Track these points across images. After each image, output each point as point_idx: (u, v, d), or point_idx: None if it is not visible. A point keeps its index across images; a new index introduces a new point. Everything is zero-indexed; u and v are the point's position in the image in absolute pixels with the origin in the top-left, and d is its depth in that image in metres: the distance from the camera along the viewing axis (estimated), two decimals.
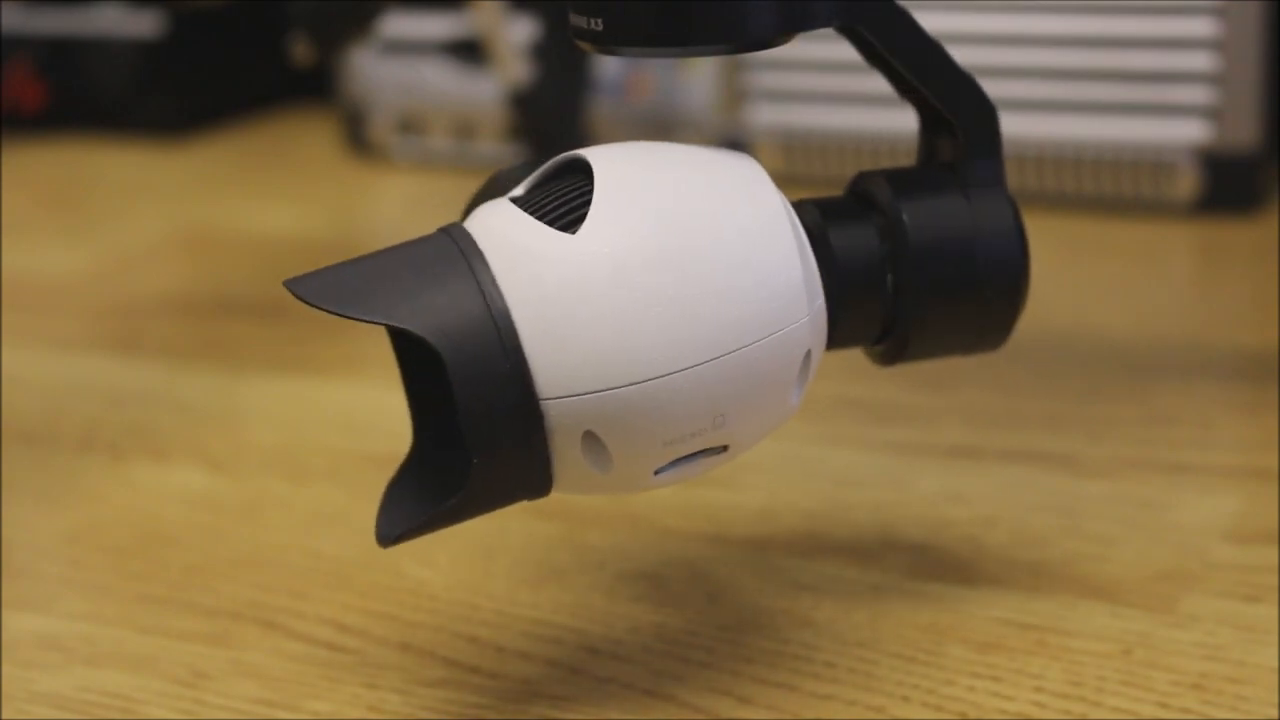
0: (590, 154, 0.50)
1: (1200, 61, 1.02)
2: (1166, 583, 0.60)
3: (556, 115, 1.01)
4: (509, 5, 1.11)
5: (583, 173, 0.50)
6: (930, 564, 0.63)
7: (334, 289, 0.49)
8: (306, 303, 0.48)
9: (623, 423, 0.48)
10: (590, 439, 0.48)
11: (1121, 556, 0.62)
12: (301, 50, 1.00)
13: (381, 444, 0.77)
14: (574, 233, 0.48)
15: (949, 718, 0.53)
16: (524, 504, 0.70)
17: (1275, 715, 0.52)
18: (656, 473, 0.50)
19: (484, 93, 1.20)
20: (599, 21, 0.50)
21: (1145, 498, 0.67)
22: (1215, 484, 0.69)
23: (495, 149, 1.22)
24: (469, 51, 1.22)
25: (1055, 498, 0.67)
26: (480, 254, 0.48)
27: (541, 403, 0.47)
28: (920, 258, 0.53)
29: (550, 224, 0.48)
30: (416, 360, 0.52)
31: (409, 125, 1.26)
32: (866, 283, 0.53)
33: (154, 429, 0.80)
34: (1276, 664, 0.55)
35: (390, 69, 1.26)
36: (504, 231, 0.49)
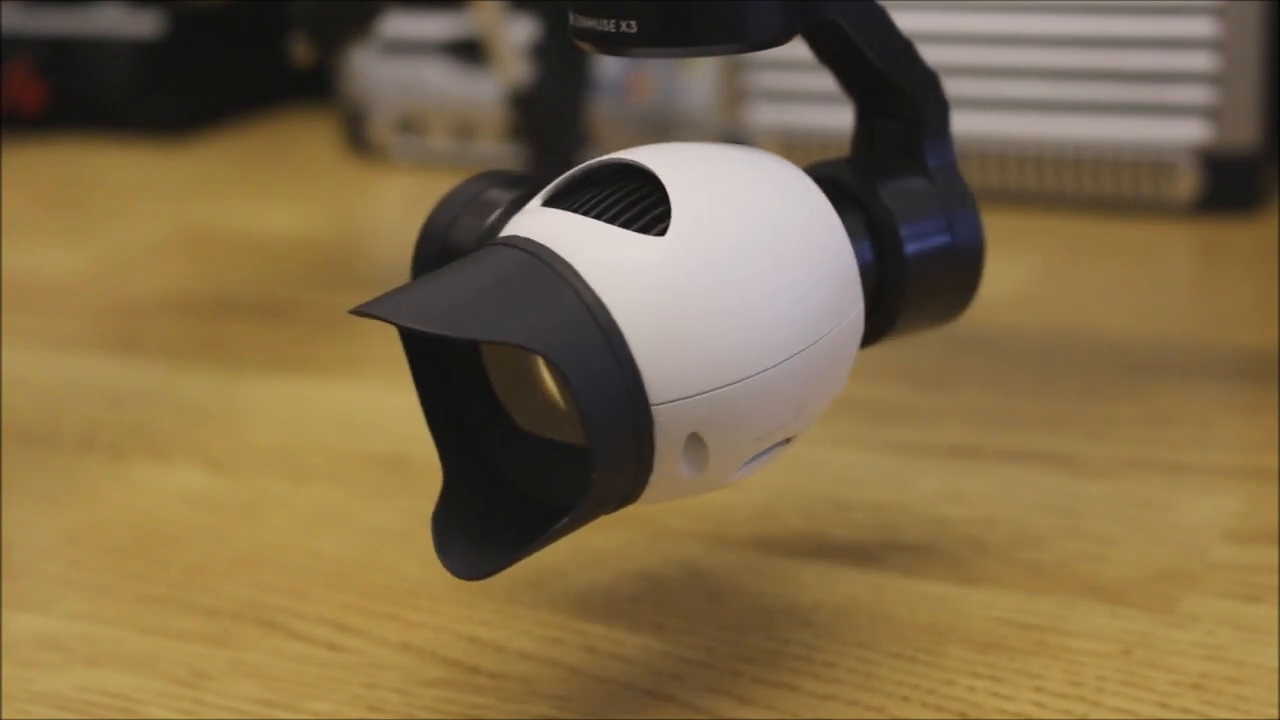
0: (636, 156, 0.50)
1: (1200, 61, 1.02)
2: (1166, 583, 0.60)
3: (556, 115, 1.01)
4: (509, 5, 1.11)
5: (629, 176, 0.50)
6: (930, 564, 0.63)
7: (423, 310, 0.46)
8: (398, 325, 0.46)
9: (726, 421, 0.48)
10: (693, 441, 0.48)
11: (1121, 556, 0.62)
12: (301, 50, 1.00)
13: (381, 444, 0.77)
14: (662, 234, 0.48)
15: (949, 718, 0.53)
16: None
17: (1275, 715, 0.52)
18: (737, 470, 0.50)
19: (484, 93, 1.20)
20: (633, 24, 0.50)
21: (1145, 498, 0.67)
22: (1215, 484, 0.69)
23: (495, 149, 1.22)
24: (469, 51, 1.22)
25: (1055, 498, 0.67)
26: (565, 264, 0.47)
27: (652, 408, 0.47)
28: (906, 239, 0.54)
29: (625, 229, 0.48)
30: (440, 383, 0.51)
31: (409, 125, 1.26)
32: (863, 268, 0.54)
33: (154, 429, 0.80)
34: (1276, 664, 0.55)
35: (390, 69, 1.26)
36: (582, 239, 0.48)
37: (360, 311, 0.46)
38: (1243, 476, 0.69)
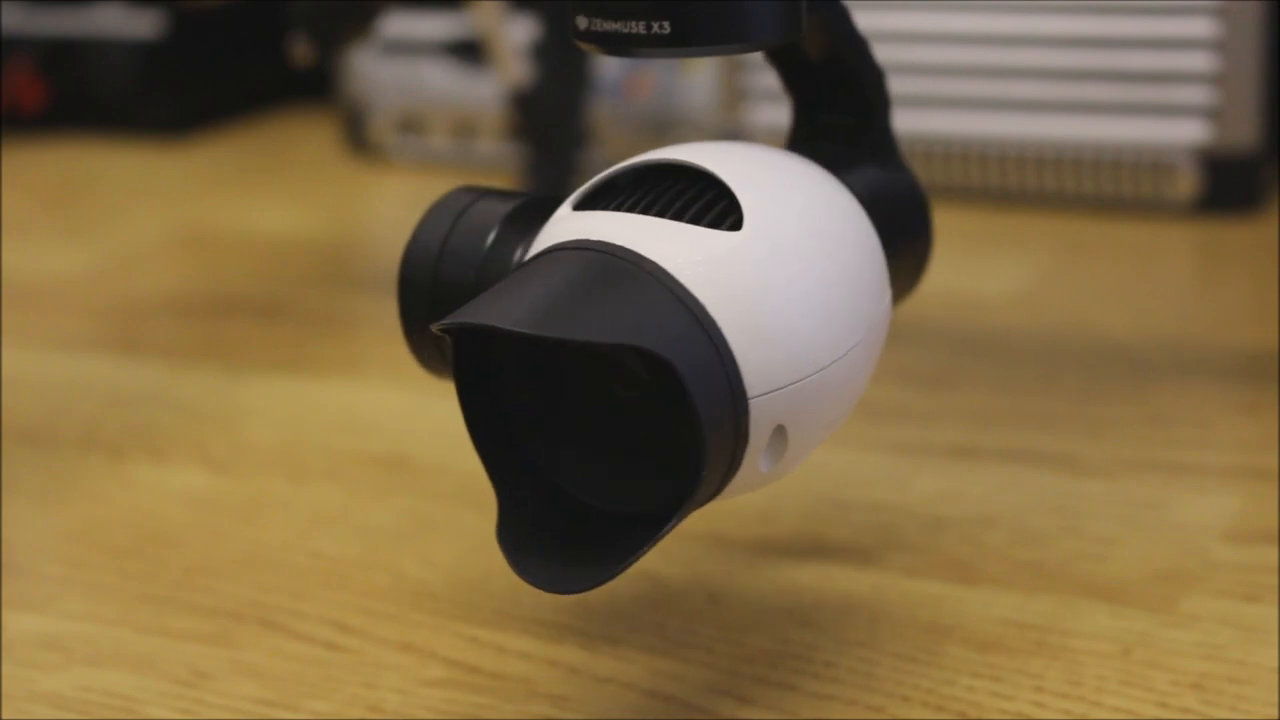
0: (671, 156, 0.50)
1: (1200, 61, 1.02)
2: (1166, 583, 0.60)
3: (556, 115, 1.01)
4: (509, 5, 1.11)
5: (665, 175, 0.50)
6: (930, 564, 0.63)
7: (528, 315, 0.45)
8: (510, 333, 0.45)
9: (807, 412, 0.48)
10: (778, 434, 0.48)
11: (1121, 556, 0.62)
12: (301, 50, 1.00)
13: (381, 444, 0.77)
14: (734, 229, 0.48)
15: (949, 718, 0.53)
16: None
17: (1275, 715, 0.52)
18: (799, 463, 0.50)
19: (484, 93, 1.20)
20: (666, 24, 0.50)
21: (1145, 498, 0.67)
22: (1215, 484, 0.69)
23: (495, 149, 1.22)
24: (469, 51, 1.22)
25: (1055, 497, 0.67)
26: (650, 261, 0.46)
27: (749, 401, 0.47)
28: (879, 225, 0.54)
29: (693, 224, 0.48)
30: (484, 397, 0.49)
31: (409, 125, 1.26)
32: None
33: (154, 429, 0.80)
34: (1276, 664, 0.55)
35: (390, 69, 1.26)
36: (657, 236, 0.47)
37: (456, 323, 0.45)
38: (1243, 476, 0.69)
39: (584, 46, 0.52)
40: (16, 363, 0.90)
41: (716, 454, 0.46)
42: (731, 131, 1.14)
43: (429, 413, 0.80)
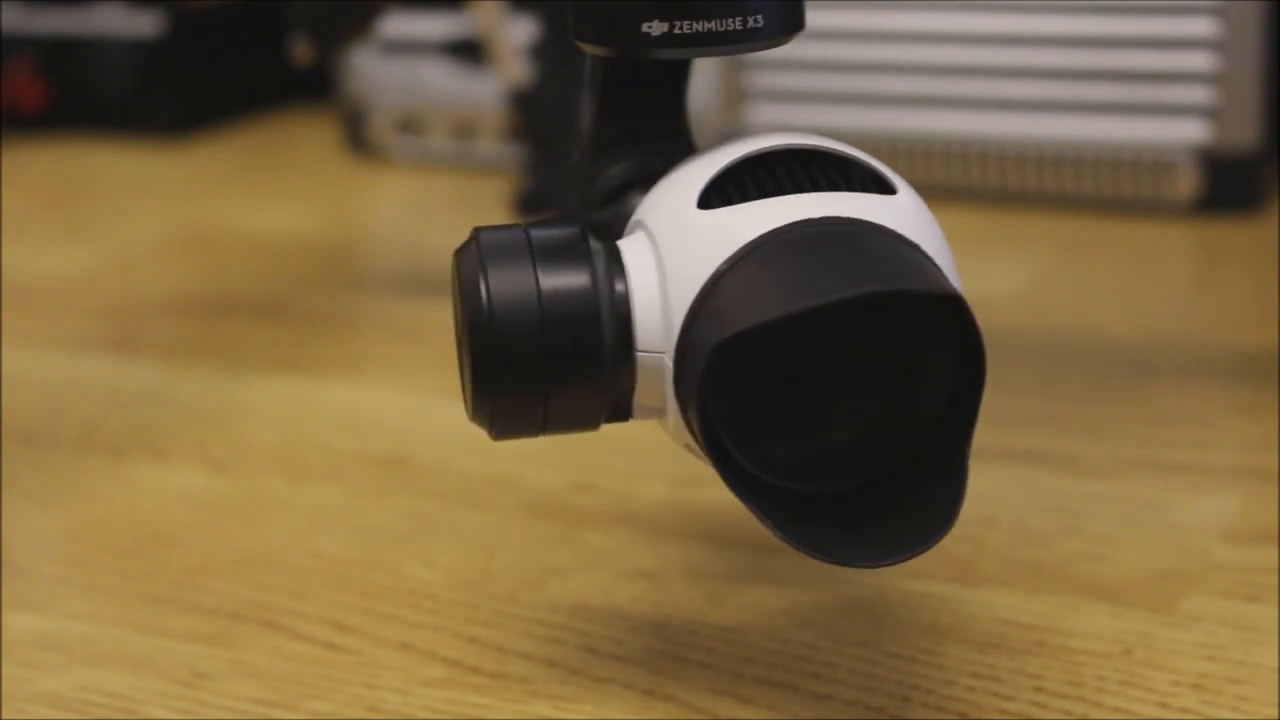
0: (752, 146, 0.50)
1: (1200, 61, 1.02)
2: (1166, 583, 0.60)
3: (556, 115, 1.01)
4: (509, 5, 1.10)
5: (781, 162, 0.49)
6: (930, 564, 0.63)
7: (849, 283, 0.45)
8: (850, 296, 0.45)
9: None
10: None
11: (1121, 556, 0.62)
12: (301, 50, 1.00)
13: (381, 444, 0.77)
14: (894, 193, 0.49)
15: (949, 718, 0.53)
16: (523, 503, 0.70)
17: (1275, 715, 0.52)
18: None
19: (484, 93, 1.20)
20: (760, 18, 0.49)
21: (1145, 498, 0.67)
22: (1215, 484, 0.69)
23: (495, 149, 1.22)
24: (469, 51, 1.22)
25: (1055, 498, 0.67)
26: (873, 224, 0.47)
27: None
28: None
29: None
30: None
31: (409, 125, 1.26)
32: None
33: (154, 429, 0.80)
34: (1276, 664, 0.55)
35: (390, 69, 1.26)
36: (857, 205, 0.48)
37: (818, 303, 0.45)
38: (1243, 476, 0.69)
39: (649, 53, 0.50)
40: (16, 363, 0.90)
41: None
42: (732, 132, 1.14)
43: (429, 413, 0.80)
